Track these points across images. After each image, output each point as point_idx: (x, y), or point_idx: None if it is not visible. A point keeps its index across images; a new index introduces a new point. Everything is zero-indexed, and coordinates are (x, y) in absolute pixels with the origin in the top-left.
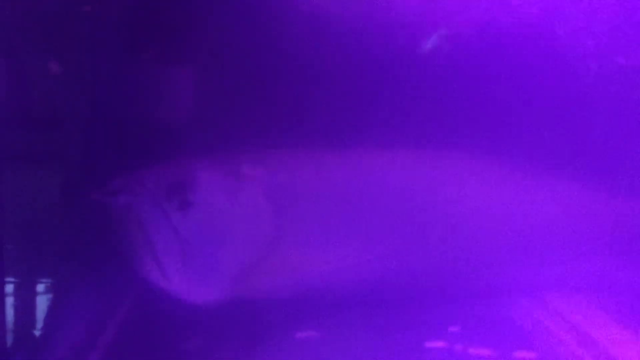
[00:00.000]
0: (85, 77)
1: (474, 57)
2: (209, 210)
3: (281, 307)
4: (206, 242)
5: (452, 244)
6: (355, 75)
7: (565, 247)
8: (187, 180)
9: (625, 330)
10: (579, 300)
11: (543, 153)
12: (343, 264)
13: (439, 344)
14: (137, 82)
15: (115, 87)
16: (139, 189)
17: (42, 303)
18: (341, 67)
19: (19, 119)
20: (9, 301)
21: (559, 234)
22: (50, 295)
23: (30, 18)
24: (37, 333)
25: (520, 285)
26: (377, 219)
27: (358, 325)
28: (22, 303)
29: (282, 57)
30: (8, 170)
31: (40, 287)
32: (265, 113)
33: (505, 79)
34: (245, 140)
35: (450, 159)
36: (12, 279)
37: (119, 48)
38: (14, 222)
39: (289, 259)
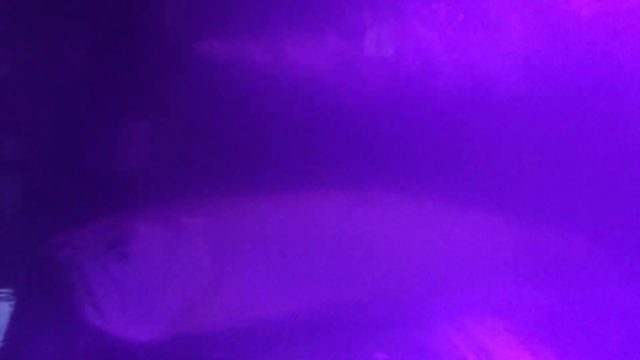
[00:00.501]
0: (21, 133)
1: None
2: (148, 260)
3: (221, 343)
4: (144, 290)
5: (377, 276)
6: (294, 121)
7: (481, 274)
8: (126, 233)
9: (526, 350)
10: (491, 325)
11: (457, 185)
12: (279, 302)
13: None
14: (75, 137)
15: (54, 143)
16: (79, 243)
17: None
18: (280, 113)
19: None
20: None
21: (474, 263)
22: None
23: None
24: None
25: (440, 312)
26: (310, 258)
27: (294, 356)
28: None
29: (219, 105)
30: None
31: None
32: (202, 162)
33: (421, 122)
34: (183, 190)
35: (372, 196)
36: None
37: (56, 103)
38: None
39: (228, 299)
